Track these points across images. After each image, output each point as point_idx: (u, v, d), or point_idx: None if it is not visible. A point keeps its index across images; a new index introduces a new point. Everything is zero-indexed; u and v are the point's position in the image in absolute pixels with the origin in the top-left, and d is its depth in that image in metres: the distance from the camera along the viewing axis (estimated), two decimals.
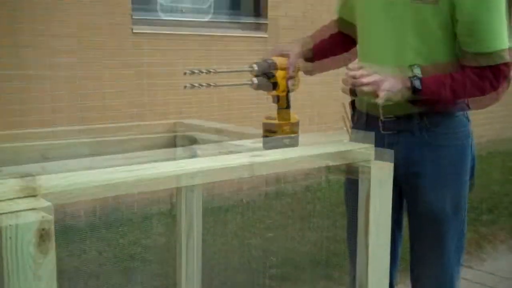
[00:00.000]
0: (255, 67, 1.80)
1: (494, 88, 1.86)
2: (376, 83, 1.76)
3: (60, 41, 4.41)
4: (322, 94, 5.97)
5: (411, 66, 1.83)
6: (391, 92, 1.78)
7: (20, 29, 4.23)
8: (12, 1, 4.17)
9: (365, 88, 1.76)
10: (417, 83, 1.80)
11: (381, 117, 1.94)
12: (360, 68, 1.80)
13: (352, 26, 2.09)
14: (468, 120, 1.98)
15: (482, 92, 1.86)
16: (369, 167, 1.64)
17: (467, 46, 1.84)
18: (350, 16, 2.10)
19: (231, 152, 1.59)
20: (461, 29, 1.83)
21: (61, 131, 2.04)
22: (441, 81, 1.83)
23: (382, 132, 1.94)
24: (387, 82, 1.77)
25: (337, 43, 2.18)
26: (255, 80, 1.80)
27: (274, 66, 1.81)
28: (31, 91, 4.32)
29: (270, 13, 5.70)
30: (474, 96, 1.90)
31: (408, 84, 1.80)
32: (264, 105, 5.43)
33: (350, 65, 1.84)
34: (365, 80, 1.76)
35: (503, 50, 1.82)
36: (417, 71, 1.82)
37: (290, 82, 1.84)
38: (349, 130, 2.06)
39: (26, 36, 4.25)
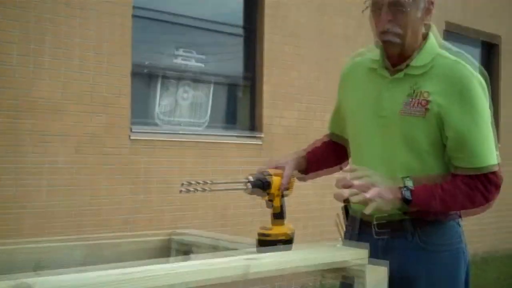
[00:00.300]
0: (251, 178, 1.85)
1: (486, 199, 1.88)
2: (366, 187, 1.77)
3: (58, 147, 4.49)
4: (316, 199, 6.00)
5: (403, 178, 1.85)
6: (381, 200, 1.78)
7: (20, 134, 4.32)
8: (13, 107, 4.28)
9: (354, 199, 1.77)
10: (407, 194, 1.82)
11: (374, 222, 1.96)
12: (354, 171, 1.84)
13: (344, 141, 2.15)
14: (459, 226, 2.00)
15: (473, 203, 1.88)
16: (364, 272, 1.65)
17: (457, 161, 1.88)
18: (342, 130, 2.16)
19: (225, 256, 1.60)
20: (451, 145, 1.87)
21: (56, 240, 2.04)
22: (431, 192, 1.84)
23: (375, 237, 1.96)
24: (377, 190, 1.78)
25: (330, 156, 2.21)
26: (249, 185, 1.86)
27: (269, 178, 1.87)
28: (27, 199, 4.34)
29: (265, 121, 5.83)
30: (466, 207, 1.90)
31: (399, 195, 1.82)
32: (259, 215, 5.46)
33: (346, 168, 1.87)
34: (356, 183, 1.77)
35: (493, 165, 1.86)
36: (409, 183, 1.83)
37: (285, 181, 1.90)
38: (343, 235, 2.08)
39: (26, 144, 4.34)
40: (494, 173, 1.87)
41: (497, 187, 1.88)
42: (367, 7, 1.94)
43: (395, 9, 1.86)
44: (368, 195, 1.76)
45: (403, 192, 1.82)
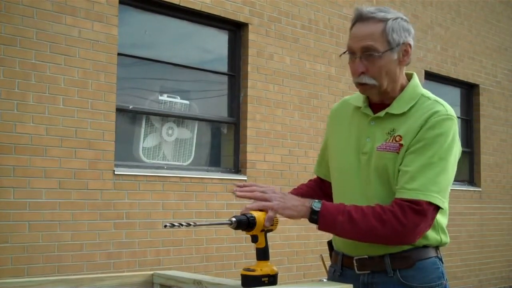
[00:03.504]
0: (234, 220, 1.87)
1: (401, 223, 1.81)
2: (268, 196, 1.86)
3: (41, 182, 4.46)
4: (299, 234, 5.97)
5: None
6: (283, 204, 1.84)
7: (3, 169, 4.29)
8: None
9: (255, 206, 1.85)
10: (316, 204, 1.85)
11: (355, 258, 1.97)
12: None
13: (329, 184, 2.18)
14: (442, 262, 2.01)
15: (383, 225, 1.81)
16: None
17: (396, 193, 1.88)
18: (326, 174, 2.21)
19: None
20: (398, 178, 1.89)
21: (36, 281, 2.02)
22: (342, 208, 1.85)
23: (357, 272, 1.97)
24: (279, 195, 1.86)
25: (316, 192, 2.22)
26: (233, 219, 1.87)
27: (253, 220, 1.89)
28: (9, 234, 4.29)
29: (249, 162, 5.84)
30: (376, 229, 1.82)
31: (308, 204, 1.86)
32: (243, 256, 5.43)
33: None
34: (259, 191, 1.87)
35: (422, 201, 1.81)
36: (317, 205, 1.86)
37: (268, 223, 1.91)
38: (327, 269, 2.09)
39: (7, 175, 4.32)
40: (420, 204, 1.82)
41: (419, 214, 1.81)
42: (345, 52, 1.99)
43: (368, 55, 1.90)
44: (271, 203, 1.84)
45: (313, 203, 1.85)
